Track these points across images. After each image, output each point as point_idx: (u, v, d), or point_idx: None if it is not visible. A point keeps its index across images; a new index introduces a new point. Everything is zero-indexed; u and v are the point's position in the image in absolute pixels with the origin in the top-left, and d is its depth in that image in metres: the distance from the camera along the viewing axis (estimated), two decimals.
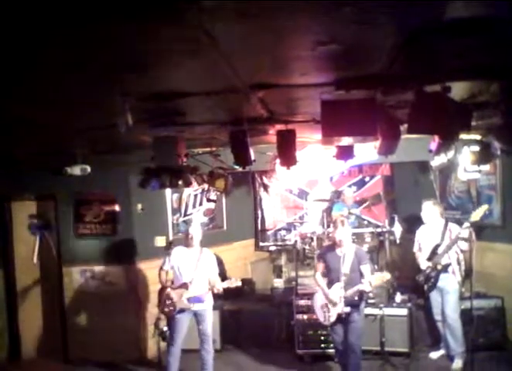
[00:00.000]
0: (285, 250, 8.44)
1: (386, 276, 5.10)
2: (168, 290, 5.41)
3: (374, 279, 5.02)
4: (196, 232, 5.55)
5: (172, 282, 5.57)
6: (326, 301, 5.18)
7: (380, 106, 3.39)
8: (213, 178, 5.53)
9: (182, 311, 5.39)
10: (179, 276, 5.50)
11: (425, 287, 5.88)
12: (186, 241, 5.53)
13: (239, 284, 5.62)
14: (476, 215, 5.46)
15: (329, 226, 7.18)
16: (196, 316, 5.53)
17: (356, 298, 5.05)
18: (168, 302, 5.31)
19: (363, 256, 5.28)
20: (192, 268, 5.44)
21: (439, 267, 5.76)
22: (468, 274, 5.75)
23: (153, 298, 5.82)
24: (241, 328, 7.05)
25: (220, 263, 8.11)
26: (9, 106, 3.40)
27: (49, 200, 6.95)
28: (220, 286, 5.48)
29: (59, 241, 6.94)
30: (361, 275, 5.12)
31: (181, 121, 4.18)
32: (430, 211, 5.97)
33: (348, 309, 4.98)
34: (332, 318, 5.12)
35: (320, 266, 5.38)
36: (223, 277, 8.01)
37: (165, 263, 5.58)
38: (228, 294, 7.44)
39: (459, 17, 2.06)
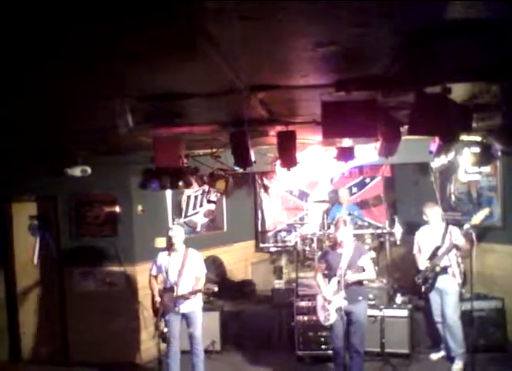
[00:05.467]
0: (285, 251, 8.44)
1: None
2: (158, 294, 5.47)
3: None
4: (177, 234, 5.53)
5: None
6: (324, 301, 5.20)
7: (380, 107, 3.39)
8: (213, 179, 5.52)
9: (172, 312, 5.42)
10: (166, 279, 5.53)
11: (423, 288, 5.89)
12: (169, 245, 5.51)
13: (215, 289, 5.66)
14: (477, 218, 5.46)
15: (329, 228, 7.18)
16: (185, 318, 5.54)
17: (357, 296, 5.05)
18: (159, 305, 5.35)
19: (363, 249, 5.35)
20: (176, 271, 5.45)
21: (438, 269, 5.76)
22: (468, 276, 5.75)
23: None
24: (242, 329, 7.04)
25: (220, 264, 8.13)
26: (10, 107, 3.41)
27: (50, 201, 6.94)
28: (199, 286, 5.49)
29: (60, 242, 6.94)
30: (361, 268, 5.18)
31: (181, 123, 4.18)
32: (432, 213, 5.96)
33: (345, 302, 4.94)
34: (332, 319, 5.11)
35: (321, 267, 5.39)
36: (223, 278, 8.07)
37: (152, 269, 5.65)
38: (228, 295, 7.49)
39: (459, 18, 2.06)
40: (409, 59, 2.62)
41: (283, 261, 8.39)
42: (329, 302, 5.11)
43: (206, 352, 5.97)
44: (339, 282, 5.01)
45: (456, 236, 5.65)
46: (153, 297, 5.54)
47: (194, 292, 5.39)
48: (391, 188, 8.81)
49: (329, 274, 5.24)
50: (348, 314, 5.05)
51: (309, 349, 6.30)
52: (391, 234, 7.07)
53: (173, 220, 7.45)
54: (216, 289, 5.66)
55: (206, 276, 5.77)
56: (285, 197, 9.19)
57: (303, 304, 6.34)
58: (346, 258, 5.07)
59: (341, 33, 2.20)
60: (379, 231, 7.23)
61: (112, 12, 1.85)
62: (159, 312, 5.33)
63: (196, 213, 8.13)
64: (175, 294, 5.38)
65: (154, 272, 5.63)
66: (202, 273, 5.61)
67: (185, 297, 5.37)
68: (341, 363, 5.19)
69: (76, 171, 5.37)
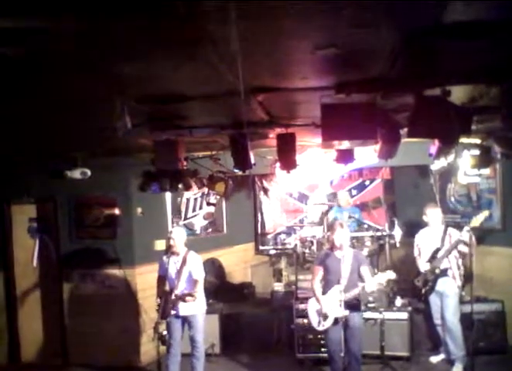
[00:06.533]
0: (284, 254, 8.42)
1: (391, 275, 5.03)
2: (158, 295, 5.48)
3: (379, 279, 5.00)
4: (177, 237, 5.49)
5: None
6: (320, 306, 5.14)
7: (380, 110, 3.40)
8: (213, 181, 5.52)
9: (172, 315, 5.40)
10: (167, 282, 5.56)
11: (423, 290, 5.88)
12: (168, 247, 5.50)
13: None
14: (476, 220, 5.46)
15: (328, 230, 7.17)
16: (186, 321, 5.52)
17: (356, 301, 5.02)
18: (160, 307, 5.34)
19: (362, 258, 5.27)
20: (175, 273, 5.44)
21: (437, 272, 5.75)
22: (468, 278, 5.75)
23: (152, 302, 5.82)
24: (241, 331, 7.02)
25: (220, 266, 8.12)
26: (10, 109, 3.41)
27: (49, 203, 6.94)
28: (196, 289, 5.42)
29: (59, 244, 6.92)
30: (360, 278, 5.09)
31: (181, 125, 4.19)
32: (433, 214, 5.96)
33: (347, 312, 4.89)
34: (327, 324, 5.07)
35: (319, 272, 5.25)
36: (222, 280, 8.06)
37: (158, 270, 5.66)
38: (228, 298, 7.48)
39: (458, 20, 2.06)
40: (409, 61, 2.63)
41: (282, 264, 8.37)
42: (325, 317, 5.05)
43: (206, 354, 5.96)
44: (340, 292, 4.89)
45: (457, 235, 5.63)
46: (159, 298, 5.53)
47: (187, 295, 5.34)
48: (391, 190, 8.81)
49: (330, 280, 5.17)
50: (347, 319, 4.99)
51: (309, 352, 6.27)
52: (391, 236, 7.07)
53: (173, 223, 7.45)
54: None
55: (205, 279, 5.75)
56: (284, 199, 9.18)
57: (303, 306, 6.30)
58: (347, 267, 5.02)
59: (340, 35, 2.20)
60: (378, 233, 7.22)
61: (112, 12, 1.85)
62: (159, 314, 5.32)
63: (196, 216, 8.12)
64: (172, 296, 5.37)
65: (159, 272, 5.62)
66: (199, 277, 5.55)
67: (179, 299, 5.35)
68: (338, 368, 5.11)
69: (76, 174, 5.37)
